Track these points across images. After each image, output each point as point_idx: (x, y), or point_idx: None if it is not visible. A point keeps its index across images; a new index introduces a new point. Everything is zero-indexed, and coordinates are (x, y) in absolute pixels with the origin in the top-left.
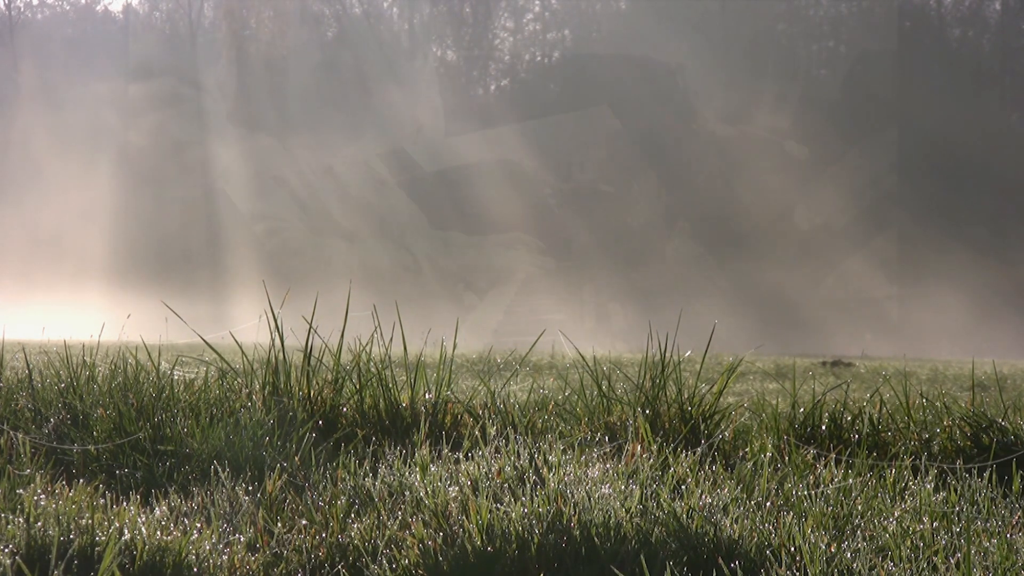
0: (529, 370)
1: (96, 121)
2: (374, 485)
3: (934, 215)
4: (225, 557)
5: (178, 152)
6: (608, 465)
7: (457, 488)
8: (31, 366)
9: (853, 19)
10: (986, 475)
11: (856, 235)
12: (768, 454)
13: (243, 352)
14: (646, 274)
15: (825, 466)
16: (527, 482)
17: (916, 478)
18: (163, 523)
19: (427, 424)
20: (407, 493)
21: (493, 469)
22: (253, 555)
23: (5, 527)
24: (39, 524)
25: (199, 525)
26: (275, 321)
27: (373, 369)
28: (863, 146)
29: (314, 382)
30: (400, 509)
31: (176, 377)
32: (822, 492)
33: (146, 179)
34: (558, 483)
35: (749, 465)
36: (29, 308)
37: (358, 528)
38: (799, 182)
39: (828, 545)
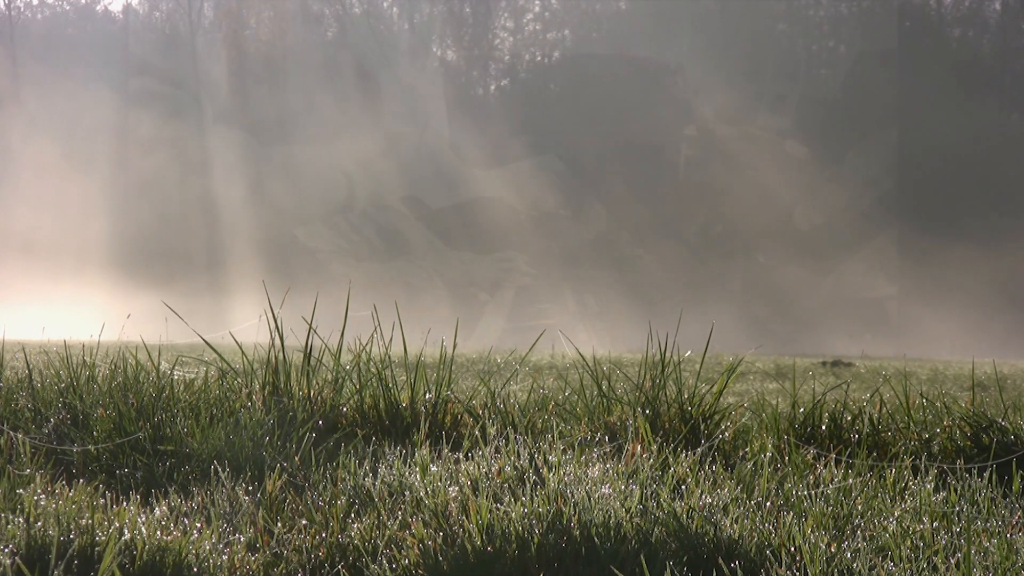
0: (529, 370)
1: (96, 121)
2: (374, 485)
3: (934, 215)
4: (225, 557)
5: (178, 152)
6: (608, 465)
7: (457, 488)
8: (31, 366)
9: (853, 19)
10: (986, 475)
11: (856, 235)
12: (768, 454)
13: (243, 352)
14: (646, 274)
15: (825, 466)
16: (527, 482)
17: (916, 478)
18: (163, 523)
19: (427, 424)
20: (407, 493)
21: (493, 469)
22: (253, 555)
23: (5, 527)
24: (39, 524)
25: (199, 525)
26: (275, 321)
27: (373, 369)
28: (863, 146)
29: (314, 382)
30: (400, 509)
31: (176, 377)
32: (822, 492)
33: (146, 179)
34: (558, 483)
35: (749, 465)
36: (29, 308)
37: (358, 528)
38: (799, 182)
39: (828, 545)
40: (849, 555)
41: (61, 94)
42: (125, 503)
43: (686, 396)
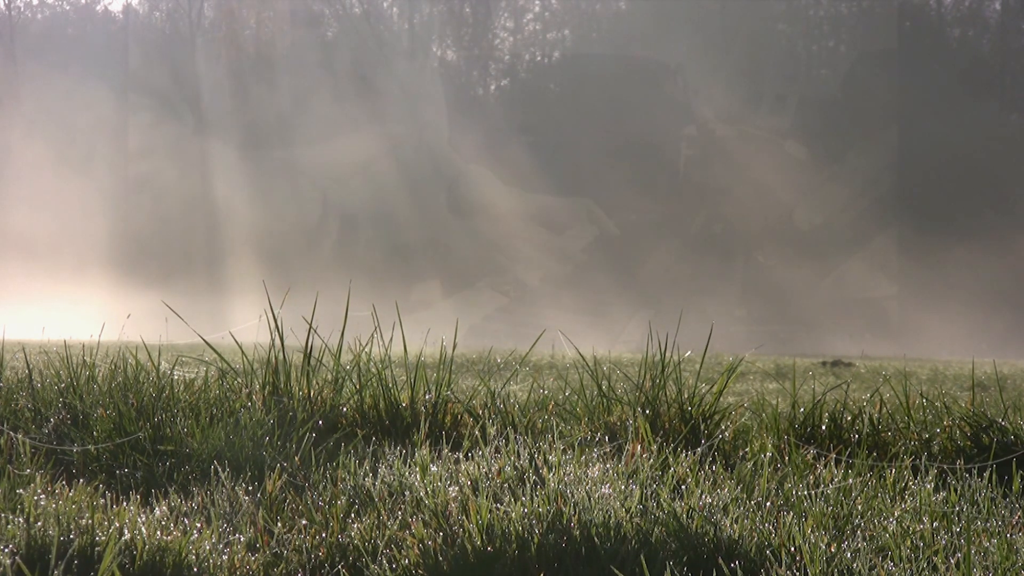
0: (529, 370)
1: (96, 120)
2: (374, 485)
3: (934, 215)
4: (225, 557)
5: (178, 151)
6: (608, 465)
7: (457, 488)
8: (31, 366)
9: (853, 19)
10: (986, 475)
11: (856, 235)
12: (768, 454)
13: (243, 352)
14: (646, 274)
15: (825, 466)
16: (527, 482)
17: (916, 478)
18: (163, 523)
19: (427, 424)
20: (407, 493)
21: (493, 469)
22: (253, 555)
23: (5, 527)
24: (39, 524)
25: (199, 525)
26: (275, 321)
27: (373, 369)
28: (863, 146)
29: (314, 382)
30: (400, 509)
31: (176, 377)
32: (822, 492)
33: (146, 178)
34: (558, 483)
35: (749, 465)
36: (29, 308)
37: (358, 528)
38: (799, 182)
39: (828, 545)
40: (849, 555)
41: (61, 94)
42: (125, 503)
43: (686, 396)
